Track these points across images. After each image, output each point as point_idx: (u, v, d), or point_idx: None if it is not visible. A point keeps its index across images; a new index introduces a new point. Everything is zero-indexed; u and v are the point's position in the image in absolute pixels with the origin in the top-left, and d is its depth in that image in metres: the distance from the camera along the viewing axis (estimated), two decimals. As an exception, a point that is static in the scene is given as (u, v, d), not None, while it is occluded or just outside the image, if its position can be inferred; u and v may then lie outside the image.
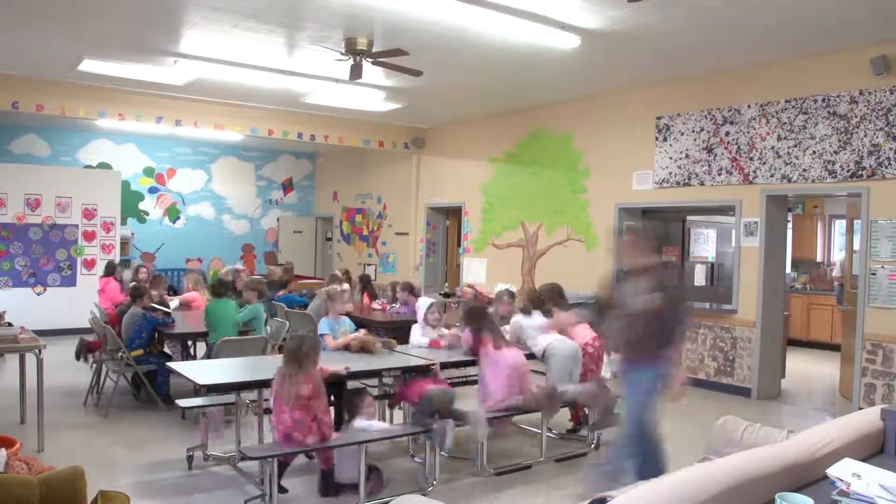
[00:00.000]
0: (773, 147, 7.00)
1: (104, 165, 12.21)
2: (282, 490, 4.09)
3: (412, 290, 7.84)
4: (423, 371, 4.80)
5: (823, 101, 6.62)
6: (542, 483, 4.65)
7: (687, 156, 7.77)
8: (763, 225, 7.13)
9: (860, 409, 4.96)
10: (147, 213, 12.94)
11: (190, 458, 4.75)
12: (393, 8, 5.62)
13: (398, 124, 11.28)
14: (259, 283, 7.07)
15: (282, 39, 6.64)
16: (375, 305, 8.25)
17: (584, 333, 5.37)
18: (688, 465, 2.40)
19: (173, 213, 13.24)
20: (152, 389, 6.17)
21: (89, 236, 10.49)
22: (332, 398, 5.01)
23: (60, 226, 10.26)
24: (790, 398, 7.34)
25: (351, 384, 4.82)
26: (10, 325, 5.62)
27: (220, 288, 6.49)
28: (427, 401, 4.40)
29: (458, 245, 11.44)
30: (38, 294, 10.11)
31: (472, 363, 5.12)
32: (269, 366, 4.88)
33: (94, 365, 6.63)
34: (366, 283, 8.87)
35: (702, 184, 7.65)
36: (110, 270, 8.57)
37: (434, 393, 4.42)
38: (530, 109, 9.68)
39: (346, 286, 6.98)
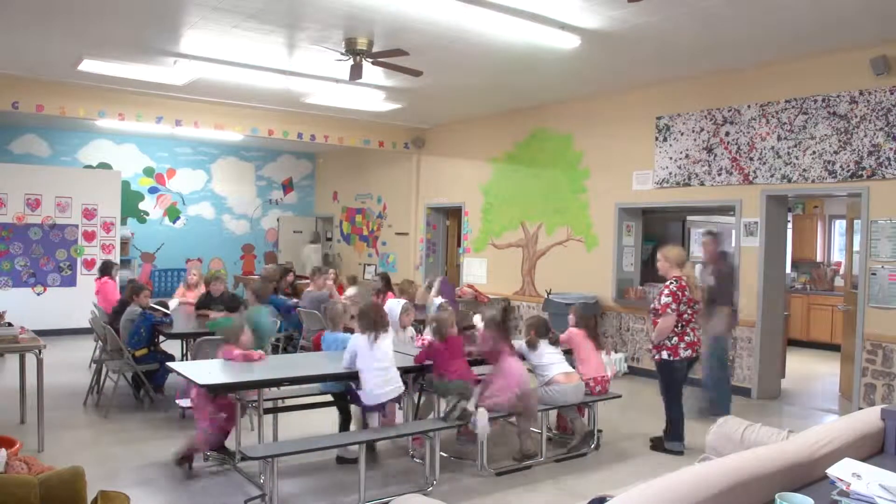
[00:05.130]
0: (773, 147, 7.00)
1: (104, 165, 12.21)
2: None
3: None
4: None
5: (823, 101, 6.62)
6: (543, 483, 4.65)
7: (687, 156, 7.77)
8: (763, 225, 7.13)
9: (860, 409, 4.97)
10: (147, 213, 12.94)
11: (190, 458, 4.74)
12: (393, 8, 5.62)
13: (398, 124, 11.28)
14: (264, 288, 7.14)
15: (282, 39, 6.64)
16: None
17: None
18: (688, 465, 2.40)
19: (173, 213, 13.24)
20: (149, 385, 6.18)
21: (89, 236, 10.49)
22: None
23: (60, 226, 10.26)
24: (790, 398, 7.35)
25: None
26: (10, 325, 5.61)
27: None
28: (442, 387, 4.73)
29: (458, 245, 11.44)
30: (38, 294, 10.12)
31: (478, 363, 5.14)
32: (268, 366, 4.90)
33: (94, 365, 6.64)
34: (387, 282, 8.76)
35: (702, 184, 7.65)
36: (106, 270, 8.45)
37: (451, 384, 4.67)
38: (530, 109, 9.68)
39: (346, 297, 6.94)
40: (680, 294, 5.09)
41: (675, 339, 5.14)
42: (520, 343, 5.23)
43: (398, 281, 8.99)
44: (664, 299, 5.12)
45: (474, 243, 10.75)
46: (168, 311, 6.75)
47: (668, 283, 5.21)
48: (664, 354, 5.17)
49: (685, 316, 5.12)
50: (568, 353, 5.45)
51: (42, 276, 10.16)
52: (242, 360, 4.70)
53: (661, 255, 5.34)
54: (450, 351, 4.76)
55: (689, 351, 5.15)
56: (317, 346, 5.69)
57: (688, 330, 5.16)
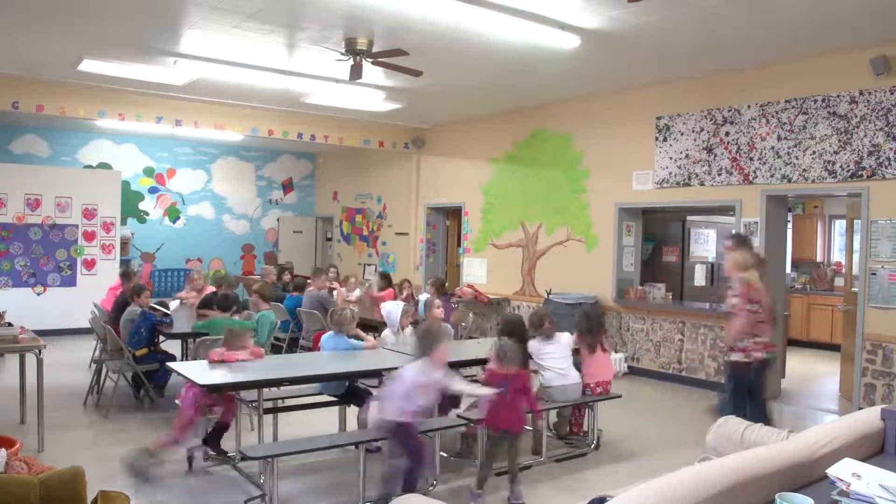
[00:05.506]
0: (773, 147, 7.00)
1: (104, 165, 12.21)
2: None
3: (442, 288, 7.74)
4: None
5: (823, 101, 6.62)
6: (543, 483, 4.65)
7: (687, 156, 7.77)
8: (763, 225, 7.13)
9: (860, 409, 4.97)
10: (147, 213, 12.94)
11: (190, 459, 4.75)
12: (393, 8, 5.62)
13: (398, 124, 11.28)
14: (268, 288, 7.11)
15: (282, 39, 6.64)
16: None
17: None
18: (688, 465, 2.40)
19: (173, 213, 13.24)
20: (149, 384, 6.18)
21: (89, 236, 10.49)
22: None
23: (60, 226, 10.26)
24: (790, 398, 7.34)
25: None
26: (10, 325, 5.61)
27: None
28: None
29: (458, 245, 11.45)
30: (38, 294, 10.11)
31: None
32: (268, 366, 4.89)
33: (94, 364, 6.63)
34: (388, 281, 8.79)
35: (702, 184, 7.65)
36: (127, 276, 8.39)
37: None
38: (530, 109, 9.68)
39: (351, 306, 6.93)
40: (748, 294, 5.04)
41: (748, 340, 5.06)
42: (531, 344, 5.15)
43: (398, 281, 9.03)
44: (732, 300, 5.09)
45: (474, 243, 10.75)
46: (168, 311, 6.75)
47: (732, 284, 5.15)
48: (736, 355, 5.12)
49: (757, 316, 5.05)
50: (576, 353, 5.45)
51: (42, 276, 10.16)
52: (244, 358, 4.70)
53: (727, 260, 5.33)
54: (512, 393, 4.22)
55: (763, 352, 5.06)
56: (317, 346, 5.69)
57: (760, 331, 5.08)
